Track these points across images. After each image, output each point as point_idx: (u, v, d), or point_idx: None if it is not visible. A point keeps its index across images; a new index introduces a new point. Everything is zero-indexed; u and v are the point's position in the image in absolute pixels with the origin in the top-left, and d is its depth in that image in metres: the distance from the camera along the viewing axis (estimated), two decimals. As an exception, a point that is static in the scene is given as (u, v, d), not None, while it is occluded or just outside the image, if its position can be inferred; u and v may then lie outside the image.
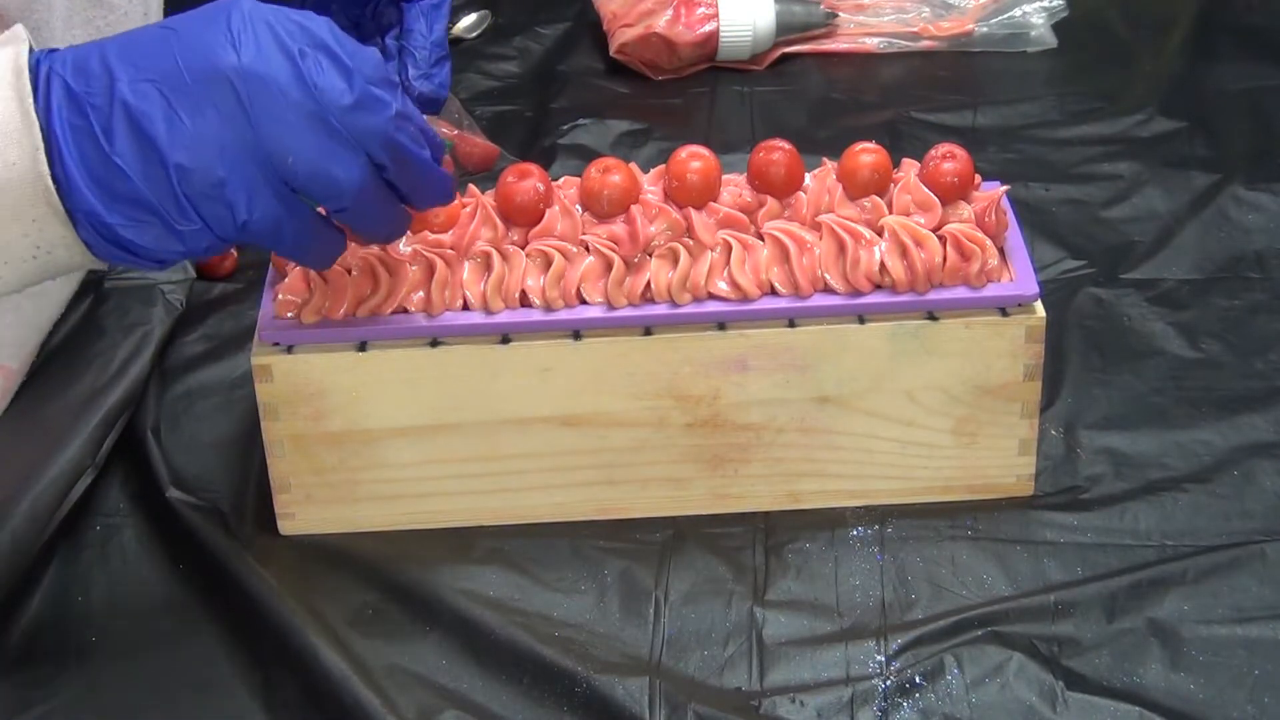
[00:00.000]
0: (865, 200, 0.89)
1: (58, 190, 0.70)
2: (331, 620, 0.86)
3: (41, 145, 0.70)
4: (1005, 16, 1.36)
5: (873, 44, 1.36)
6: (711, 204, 0.88)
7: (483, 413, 0.89)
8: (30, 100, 0.70)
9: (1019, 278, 0.88)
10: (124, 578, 0.91)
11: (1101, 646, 0.84)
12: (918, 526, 0.91)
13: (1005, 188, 0.91)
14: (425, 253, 0.87)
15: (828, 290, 0.88)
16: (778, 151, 0.89)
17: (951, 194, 0.89)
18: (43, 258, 0.72)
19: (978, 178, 0.90)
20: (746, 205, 0.89)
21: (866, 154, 0.89)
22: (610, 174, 0.88)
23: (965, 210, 0.89)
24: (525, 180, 0.88)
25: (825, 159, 0.91)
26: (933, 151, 0.89)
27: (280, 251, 0.77)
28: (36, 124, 0.70)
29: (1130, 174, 1.19)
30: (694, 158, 0.88)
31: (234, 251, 1.11)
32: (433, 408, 0.89)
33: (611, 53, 1.34)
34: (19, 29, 0.72)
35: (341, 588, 0.89)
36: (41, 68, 0.71)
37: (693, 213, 0.88)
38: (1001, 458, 0.91)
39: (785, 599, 0.88)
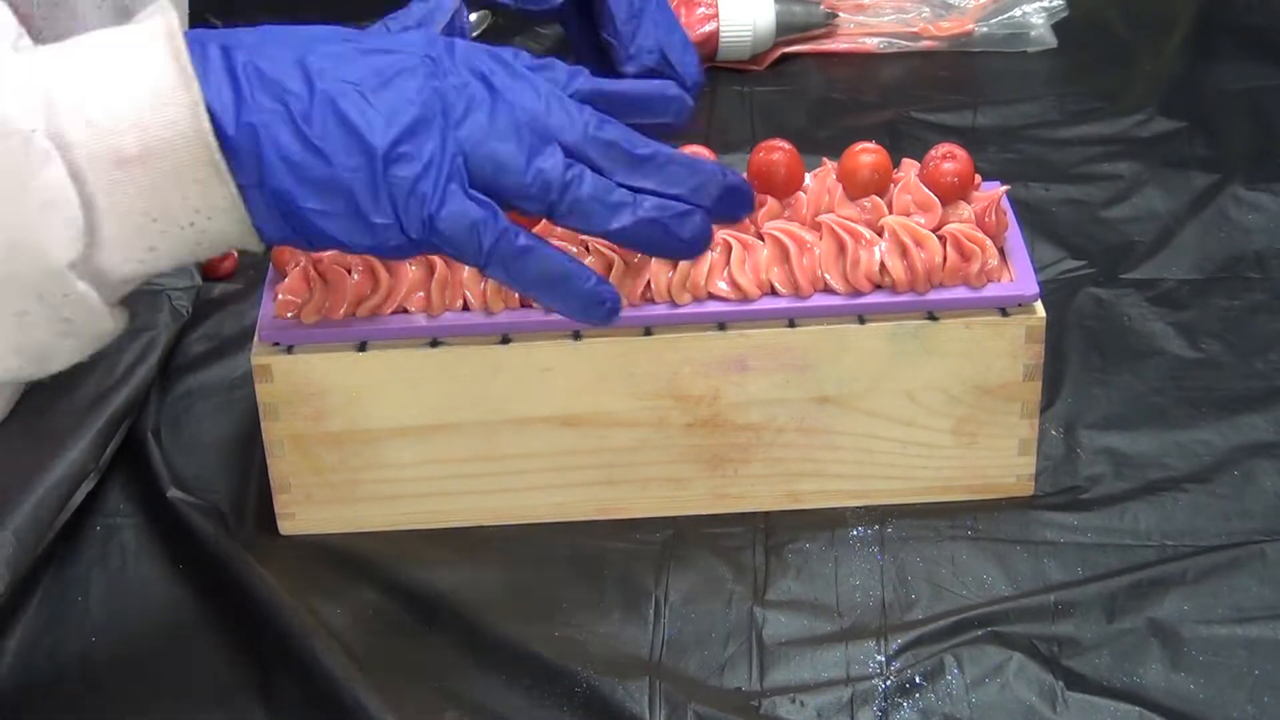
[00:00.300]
0: (865, 200, 0.89)
1: (224, 150, 0.69)
2: (331, 620, 0.86)
3: (201, 101, 0.68)
4: (1005, 16, 1.36)
5: (873, 44, 1.36)
6: (711, 204, 0.88)
7: (483, 413, 0.89)
8: (185, 57, 0.69)
9: (1019, 278, 0.88)
10: (124, 578, 0.91)
11: (1101, 646, 0.84)
12: (918, 526, 0.91)
13: (1005, 188, 0.91)
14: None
15: (828, 290, 0.88)
16: (778, 151, 0.89)
17: (951, 194, 0.89)
18: (201, 224, 0.70)
19: (978, 178, 0.90)
20: (746, 205, 0.89)
21: (866, 154, 0.89)
22: (610, 174, 0.88)
23: (965, 210, 0.89)
24: (525, 180, 0.88)
25: (825, 159, 0.91)
26: (933, 151, 0.89)
27: (489, 269, 0.74)
28: (195, 81, 0.68)
29: (1130, 174, 1.19)
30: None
31: (234, 253, 1.11)
32: (433, 408, 0.89)
33: (611, 53, 1.34)
34: (165, 1, 0.72)
35: (341, 588, 0.89)
36: (211, 46, 0.71)
37: (693, 213, 0.88)
38: (1001, 458, 0.92)
39: (785, 599, 0.88)
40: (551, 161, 0.73)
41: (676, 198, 0.76)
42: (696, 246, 0.77)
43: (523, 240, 0.73)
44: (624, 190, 0.75)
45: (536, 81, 0.75)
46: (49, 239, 0.67)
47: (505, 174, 0.73)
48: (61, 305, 0.68)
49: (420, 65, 0.73)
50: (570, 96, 0.76)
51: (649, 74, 0.85)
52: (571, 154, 0.74)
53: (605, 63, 0.87)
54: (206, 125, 0.68)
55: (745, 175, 0.90)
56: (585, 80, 0.77)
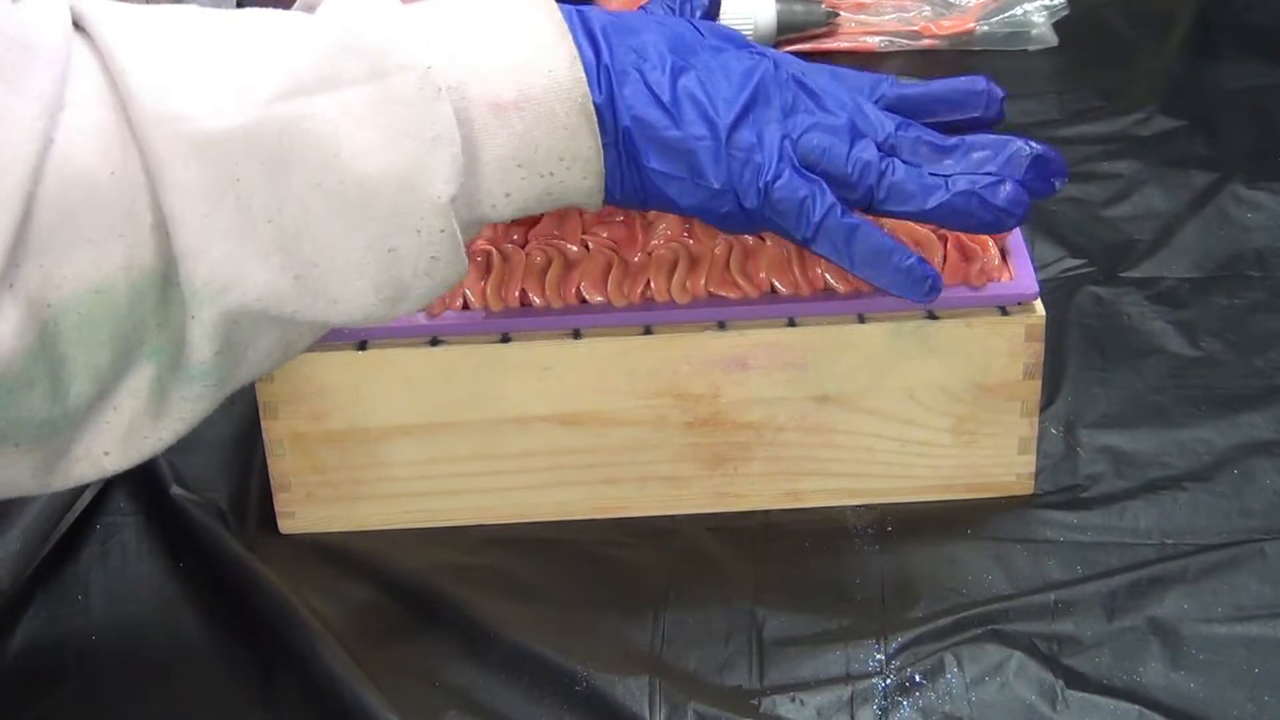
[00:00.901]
0: (865, 199, 0.89)
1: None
2: (331, 620, 0.86)
3: (577, 55, 0.73)
4: (1006, 15, 1.36)
5: (874, 43, 1.36)
6: (711, 203, 0.88)
7: (483, 412, 0.89)
8: (558, 14, 0.74)
9: (1019, 277, 0.88)
10: (124, 577, 0.91)
11: (1101, 645, 0.84)
12: (918, 525, 0.91)
13: (1005, 187, 0.91)
14: (425, 252, 0.87)
15: (828, 290, 0.88)
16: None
17: (951, 193, 0.89)
18: (560, 173, 0.74)
19: (978, 177, 0.90)
20: (746, 204, 0.89)
21: (866, 153, 0.89)
22: (610, 173, 0.88)
23: (965, 209, 0.89)
24: (525, 179, 0.88)
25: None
26: (933, 150, 0.89)
27: (815, 244, 0.79)
28: (569, 36, 0.73)
29: (1130, 173, 1.19)
30: (694, 157, 0.88)
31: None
32: (433, 407, 0.89)
33: (612, 52, 1.34)
34: None
35: (342, 586, 0.89)
36: (572, 10, 0.75)
37: (693, 212, 0.88)
38: (1001, 456, 0.92)
39: (785, 597, 0.88)
40: (870, 152, 0.79)
41: (986, 174, 0.80)
42: (1013, 213, 0.81)
43: (849, 217, 0.78)
44: (935, 176, 0.80)
45: (844, 90, 0.81)
46: (437, 172, 0.69)
47: (829, 160, 0.78)
48: (435, 242, 0.70)
49: (752, 61, 0.79)
50: (876, 102, 0.82)
51: None
52: (881, 151, 0.80)
53: None
54: (582, 75, 0.73)
55: None
56: (890, 86, 0.82)
